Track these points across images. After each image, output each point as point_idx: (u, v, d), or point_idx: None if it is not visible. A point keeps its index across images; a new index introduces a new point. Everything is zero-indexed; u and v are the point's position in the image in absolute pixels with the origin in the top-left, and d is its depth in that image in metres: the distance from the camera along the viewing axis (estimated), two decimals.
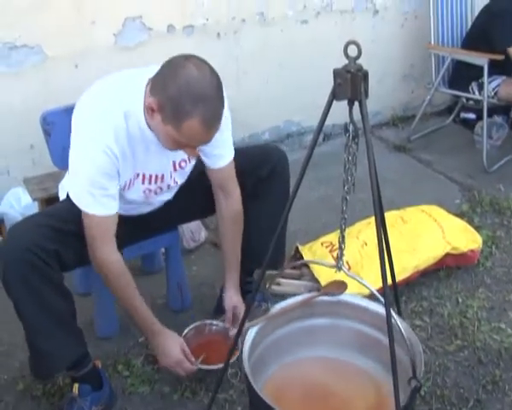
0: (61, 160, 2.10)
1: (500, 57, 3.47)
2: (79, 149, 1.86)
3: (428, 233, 2.72)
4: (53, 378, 2.15)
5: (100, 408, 2.05)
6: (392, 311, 1.51)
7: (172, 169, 2.06)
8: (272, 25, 3.56)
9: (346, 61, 1.39)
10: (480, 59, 3.52)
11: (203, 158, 2.09)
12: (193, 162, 2.12)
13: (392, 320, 1.51)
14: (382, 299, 1.52)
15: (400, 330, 1.56)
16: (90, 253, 1.92)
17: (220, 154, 2.09)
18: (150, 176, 2.01)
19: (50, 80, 2.92)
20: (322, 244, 2.64)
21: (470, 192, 3.41)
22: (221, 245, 2.27)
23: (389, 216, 2.52)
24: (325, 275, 2.39)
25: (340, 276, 1.78)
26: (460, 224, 2.87)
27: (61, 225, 1.90)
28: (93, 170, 1.83)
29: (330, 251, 2.58)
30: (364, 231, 2.66)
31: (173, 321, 2.44)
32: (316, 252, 2.62)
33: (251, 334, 1.76)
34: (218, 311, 2.43)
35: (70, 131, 1.89)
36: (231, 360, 1.94)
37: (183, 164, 2.08)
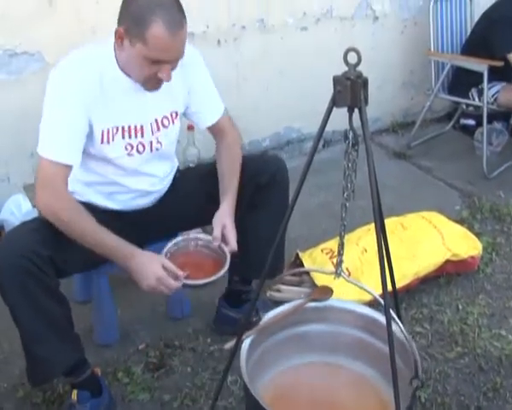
0: None
1: (500, 64, 3.47)
2: (49, 98, 1.92)
3: (428, 240, 2.72)
4: (50, 383, 2.14)
5: None
6: (392, 314, 1.51)
7: (155, 126, 2.07)
8: (272, 32, 3.57)
9: (346, 68, 1.39)
10: (480, 65, 3.53)
11: (198, 119, 2.23)
12: (177, 124, 2.15)
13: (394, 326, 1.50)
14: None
15: (402, 331, 1.56)
16: (37, 199, 1.91)
17: (210, 108, 2.22)
18: (129, 127, 2.02)
19: None
20: (322, 251, 2.64)
21: (470, 198, 3.41)
22: (219, 179, 2.21)
23: (389, 223, 2.52)
24: (325, 282, 2.39)
25: (340, 282, 1.78)
26: (460, 230, 2.86)
27: (55, 230, 1.89)
28: (62, 106, 1.89)
29: (330, 257, 2.58)
30: (364, 237, 2.66)
31: (173, 329, 2.44)
32: (316, 258, 2.62)
33: (246, 341, 1.75)
34: (218, 321, 2.43)
35: None
36: (219, 275, 1.95)
37: (165, 122, 2.10)
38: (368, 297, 2.33)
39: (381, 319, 1.85)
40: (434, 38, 3.83)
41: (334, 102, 1.42)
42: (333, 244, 2.64)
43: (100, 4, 2.97)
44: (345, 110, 1.43)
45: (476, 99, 3.74)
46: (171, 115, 2.12)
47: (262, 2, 3.48)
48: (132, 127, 2.03)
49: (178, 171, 2.34)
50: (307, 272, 2.57)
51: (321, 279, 2.45)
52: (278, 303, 2.27)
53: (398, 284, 2.14)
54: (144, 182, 2.15)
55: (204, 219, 2.22)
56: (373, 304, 2.30)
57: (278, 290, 2.52)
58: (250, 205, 2.20)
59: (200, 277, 2.00)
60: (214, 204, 2.14)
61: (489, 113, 3.65)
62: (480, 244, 2.81)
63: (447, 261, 2.68)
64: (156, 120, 2.08)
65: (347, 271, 2.46)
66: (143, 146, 2.07)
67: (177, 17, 1.84)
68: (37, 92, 2.87)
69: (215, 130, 2.27)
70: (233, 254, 2.07)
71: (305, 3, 3.63)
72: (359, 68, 1.40)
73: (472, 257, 2.74)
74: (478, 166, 3.66)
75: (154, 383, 2.22)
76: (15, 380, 2.24)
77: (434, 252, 2.68)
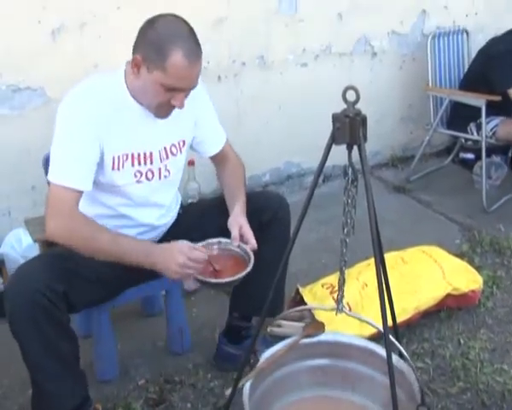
0: None
1: (497, 98, 3.50)
2: (61, 126, 1.94)
3: (429, 274, 2.72)
4: None
5: None
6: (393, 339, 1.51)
7: (164, 153, 2.10)
8: (272, 68, 3.61)
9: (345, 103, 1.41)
10: (478, 100, 3.56)
11: (204, 149, 2.27)
12: (184, 154, 2.18)
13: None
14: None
15: (407, 357, 1.55)
16: (48, 225, 1.89)
17: (215, 137, 2.29)
18: (139, 155, 2.04)
19: (52, 122, 2.94)
20: (322, 286, 2.64)
21: (470, 232, 3.41)
22: (226, 193, 2.25)
23: (389, 257, 2.52)
24: (325, 316, 2.38)
25: (341, 317, 1.78)
26: (460, 264, 2.86)
27: (69, 265, 1.90)
28: (73, 134, 1.91)
29: (331, 292, 2.57)
30: (365, 272, 2.66)
31: (173, 364, 2.43)
32: (316, 293, 2.61)
33: (246, 386, 1.73)
34: (218, 357, 2.41)
35: None
36: (245, 273, 1.95)
37: (173, 150, 2.12)
38: (368, 332, 2.33)
39: (380, 350, 1.85)
40: (432, 73, 3.88)
41: (334, 139, 1.44)
42: (333, 279, 2.63)
43: (102, 40, 3.01)
44: (344, 145, 1.45)
45: (475, 133, 3.76)
46: (179, 144, 2.15)
47: (262, 39, 3.53)
48: (142, 154, 2.05)
49: (182, 207, 2.36)
50: None
51: (322, 314, 2.44)
52: (278, 339, 2.27)
53: (399, 319, 2.14)
54: (151, 215, 2.16)
55: None
56: (373, 339, 2.29)
57: (279, 325, 2.50)
58: None
59: (226, 276, 2.00)
60: (217, 235, 2.15)
61: (488, 147, 3.67)
62: (480, 278, 2.81)
63: (448, 295, 2.67)
64: (165, 148, 2.11)
65: (348, 305, 2.45)
66: (152, 173, 2.09)
67: (196, 48, 1.90)
68: (39, 127, 2.93)
69: (219, 157, 2.31)
70: (234, 289, 2.06)
71: (305, 40, 3.68)
72: (358, 104, 1.41)
73: (473, 291, 2.73)
74: (477, 199, 3.67)
75: None
76: None
77: (435, 286, 2.67)
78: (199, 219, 2.28)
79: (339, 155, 1.54)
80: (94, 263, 1.95)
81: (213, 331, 2.55)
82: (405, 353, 1.67)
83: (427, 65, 3.87)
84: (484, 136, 3.62)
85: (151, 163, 2.07)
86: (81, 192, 1.93)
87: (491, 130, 3.70)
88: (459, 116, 3.83)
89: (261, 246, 2.19)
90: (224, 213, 2.18)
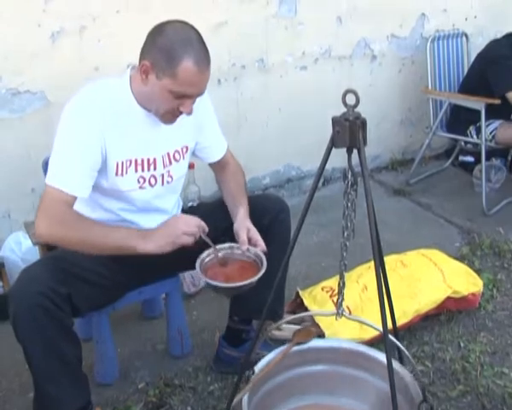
0: None
1: (496, 102, 3.51)
2: (63, 129, 1.93)
3: (429, 277, 2.71)
4: None
5: None
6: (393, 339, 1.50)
7: (167, 159, 2.09)
8: (272, 71, 3.62)
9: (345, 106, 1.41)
10: (478, 103, 3.57)
11: (207, 155, 2.27)
12: (187, 160, 2.18)
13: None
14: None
15: (408, 355, 1.55)
16: (38, 225, 1.88)
17: (218, 144, 2.29)
18: (142, 160, 2.03)
19: (52, 125, 2.94)
20: (322, 289, 2.63)
21: (470, 235, 3.42)
22: (227, 199, 2.25)
23: (389, 260, 2.52)
24: (325, 320, 2.39)
25: (341, 321, 1.78)
26: (460, 267, 2.86)
27: (72, 268, 1.90)
28: (74, 140, 1.90)
29: (331, 296, 2.57)
30: (365, 275, 2.65)
31: (173, 367, 2.42)
32: (316, 297, 2.61)
33: (244, 399, 1.71)
34: (218, 360, 2.41)
35: None
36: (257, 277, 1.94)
37: (176, 156, 2.12)
38: (368, 336, 2.33)
39: (373, 352, 1.84)
40: (432, 76, 3.89)
41: (333, 143, 1.44)
42: (333, 282, 2.63)
43: (102, 43, 3.01)
44: (344, 148, 1.45)
45: (474, 136, 3.77)
46: (182, 150, 2.15)
47: (262, 43, 3.53)
48: (145, 160, 2.05)
49: (182, 211, 2.35)
50: (307, 309, 2.56)
51: (322, 318, 2.45)
52: (278, 342, 2.27)
53: (399, 322, 2.14)
54: (153, 220, 2.13)
55: None
56: (373, 343, 2.29)
57: (278, 328, 2.50)
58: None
59: (239, 280, 1.98)
60: (216, 239, 2.13)
61: (487, 150, 3.68)
62: (480, 281, 2.80)
63: (448, 299, 2.67)
64: (168, 154, 2.10)
65: (348, 309, 2.45)
66: (155, 179, 2.09)
67: (205, 54, 1.90)
68: (38, 130, 2.93)
69: (220, 164, 2.31)
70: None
71: (304, 43, 3.68)
72: (358, 107, 1.42)
73: (473, 294, 2.73)
74: (477, 202, 3.67)
75: None
76: None
77: (435, 289, 2.67)
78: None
79: (338, 158, 1.54)
80: (97, 266, 1.96)
81: (213, 334, 2.55)
82: (406, 351, 1.66)
83: (427, 68, 3.88)
84: (483, 139, 3.62)
85: (154, 169, 2.07)
86: (75, 198, 1.91)
87: (490, 133, 3.71)
88: (459, 119, 3.83)
89: None
90: (225, 217, 2.18)
